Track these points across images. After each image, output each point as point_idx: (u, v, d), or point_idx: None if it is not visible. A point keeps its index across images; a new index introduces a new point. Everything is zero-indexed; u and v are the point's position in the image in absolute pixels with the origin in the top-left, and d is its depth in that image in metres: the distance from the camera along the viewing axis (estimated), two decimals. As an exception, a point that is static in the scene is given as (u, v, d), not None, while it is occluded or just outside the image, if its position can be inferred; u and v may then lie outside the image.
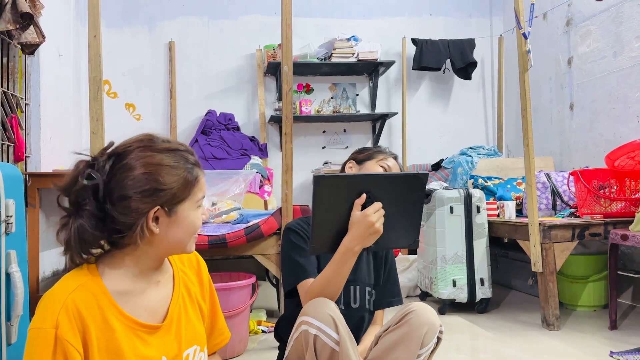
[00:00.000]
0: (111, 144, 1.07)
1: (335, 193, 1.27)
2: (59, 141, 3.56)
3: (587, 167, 3.28)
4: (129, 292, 1.05)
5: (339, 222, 1.30)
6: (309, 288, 1.40)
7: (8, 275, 1.59)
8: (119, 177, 1.01)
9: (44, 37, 2.80)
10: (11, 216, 1.62)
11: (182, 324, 1.12)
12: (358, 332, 1.55)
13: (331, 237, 1.31)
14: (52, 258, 3.43)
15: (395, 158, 1.71)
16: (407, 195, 1.32)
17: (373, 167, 1.63)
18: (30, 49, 2.81)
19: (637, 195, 2.72)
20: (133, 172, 1.01)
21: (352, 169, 1.67)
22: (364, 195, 1.28)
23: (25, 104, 3.13)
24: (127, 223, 1.01)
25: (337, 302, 1.38)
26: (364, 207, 1.28)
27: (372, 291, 1.60)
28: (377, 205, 1.28)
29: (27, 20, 2.62)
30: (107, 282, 1.03)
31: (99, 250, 1.07)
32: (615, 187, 2.78)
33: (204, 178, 1.12)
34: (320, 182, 1.23)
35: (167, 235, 1.06)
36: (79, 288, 1.00)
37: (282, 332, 1.58)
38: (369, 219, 1.26)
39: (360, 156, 1.70)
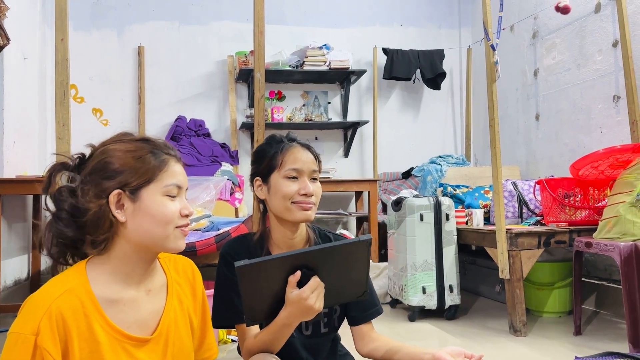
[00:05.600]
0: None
1: (264, 276, 1.11)
2: (23, 146, 3.46)
3: (552, 176, 3.36)
4: (118, 300, 1.02)
5: (273, 296, 1.16)
6: (248, 347, 1.28)
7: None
8: (83, 171, 1.03)
9: (8, 39, 2.73)
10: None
11: (170, 338, 1.09)
12: (317, 349, 1.46)
13: (267, 309, 1.18)
14: (14, 266, 3.32)
15: (299, 143, 1.36)
16: (350, 260, 1.17)
17: (280, 185, 1.31)
18: (-7, 51, 2.74)
19: (600, 203, 2.79)
20: (94, 161, 1.03)
21: (261, 189, 1.37)
22: (298, 273, 1.12)
23: (-12, 108, 3.04)
24: (93, 213, 0.99)
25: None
26: (300, 283, 1.13)
27: (333, 309, 1.44)
28: (314, 283, 1.13)
29: (-10, 21, 2.55)
30: (95, 287, 0.99)
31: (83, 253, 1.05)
32: (579, 196, 2.85)
33: (181, 168, 1.08)
34: (245, 271, 1.07)
35: (136, 226, 1.01)
36: (65, 293, 0.96)
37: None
38: (306, 302, 1.11)
39: (261, 168, 1.37)
